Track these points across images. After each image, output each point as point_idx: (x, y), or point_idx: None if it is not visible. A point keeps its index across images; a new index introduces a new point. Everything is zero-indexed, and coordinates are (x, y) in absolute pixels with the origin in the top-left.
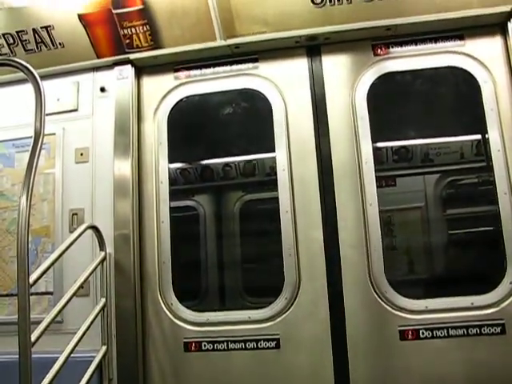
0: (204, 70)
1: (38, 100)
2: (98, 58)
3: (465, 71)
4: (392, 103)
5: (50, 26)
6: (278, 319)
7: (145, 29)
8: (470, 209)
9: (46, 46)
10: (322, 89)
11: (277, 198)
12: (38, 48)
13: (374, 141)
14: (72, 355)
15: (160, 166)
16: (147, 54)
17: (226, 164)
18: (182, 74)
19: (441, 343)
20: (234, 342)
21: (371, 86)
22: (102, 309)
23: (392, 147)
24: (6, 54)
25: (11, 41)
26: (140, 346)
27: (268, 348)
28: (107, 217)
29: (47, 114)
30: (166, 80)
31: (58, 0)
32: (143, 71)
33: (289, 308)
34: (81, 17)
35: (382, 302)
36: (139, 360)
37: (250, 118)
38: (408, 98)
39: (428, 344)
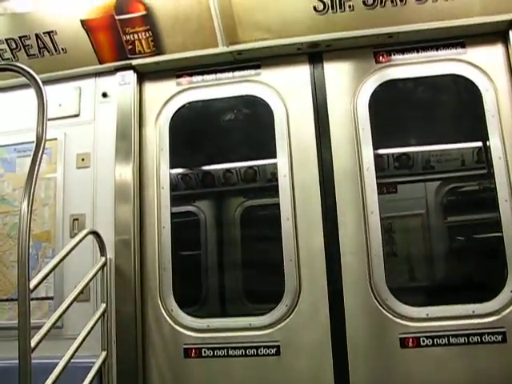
0: (206, 77)
1: (40, 105)
2: (101, 63)
3: (466, 79)
4: (393, 110)
5: (52, 32)
6: (279, 326)
7: (147, 35)
8: (471, 216)
9: (48, 52)
10: (323, 96)
11: (278, 204)
12: (40, 53)
13: (375, 148)
14: (72, 360)
15: (161, 171)
16: (149, 59)
17: (227, 170)
18: (184, 80)
19: (441, 351)
20: (235, 348)
21: (373, 94)
22: (103, 314)
23: (393, 154)
24: (8, 58)
25: (14, 46)
26: (140, 351)
27: (268, 355)
28: (108, 222)
29: (49, 119)
30: (168, 86)
31: (61, 6)
32: (145, 77)
33: (289, 315)
34: (83, 22)
35: (383, 310)
36: (139, 366)
37: (252, 125)
38: (409, 106)
39: (429, 352)
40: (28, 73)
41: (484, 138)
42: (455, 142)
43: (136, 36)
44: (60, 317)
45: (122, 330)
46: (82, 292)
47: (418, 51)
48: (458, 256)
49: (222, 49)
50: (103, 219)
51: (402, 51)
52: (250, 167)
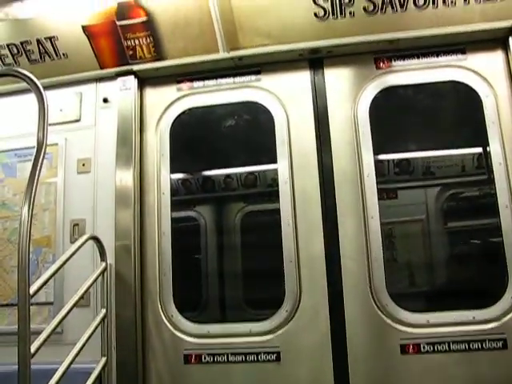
0: (207, 82)
1: (41, 110)
2: (102, 68)
3: (466, 85)
4: (394, 116)
5: (54, 37)
6: (279, 332)
7: (148, 40)
8: (472, 222)
9: (49, 57)
10: (324, 102)
11: (278, 210)
12: (41, 58)
13: (375, 153)
14: (72, 366)
15: (162, 176)
16: (150, 65)
17: (228, 175)
18: (185, 86)
19: (442, 358)
20: (235, 354)
21: (373, 100)
22: (103, 320)
23: (394, 160)
24: (9, 64)
25: (15, 51)
26: (140, 357)
27: (268, 361)
28: (108, 227)
29: (50, 124)
30: (169, 91)
31: (63, 11)
32: (146, 82)
33: (289, 320)
34: (85, 28)
35: (383, 315)
36: (139, 371)
37: (252, 130)
38: (410, 111)
39: (429, 358)
40: (29, 78)
41: (484, 143)
42: (455, 148)
43: (137, 41)
44: (60, 322)
45: (122, 336)
46: (82, 297)
47: (418, 57)
48: (458, 262)
49: (222, 54)
50: (103, 224)
51: (403, 57)
52: (251, 173)
